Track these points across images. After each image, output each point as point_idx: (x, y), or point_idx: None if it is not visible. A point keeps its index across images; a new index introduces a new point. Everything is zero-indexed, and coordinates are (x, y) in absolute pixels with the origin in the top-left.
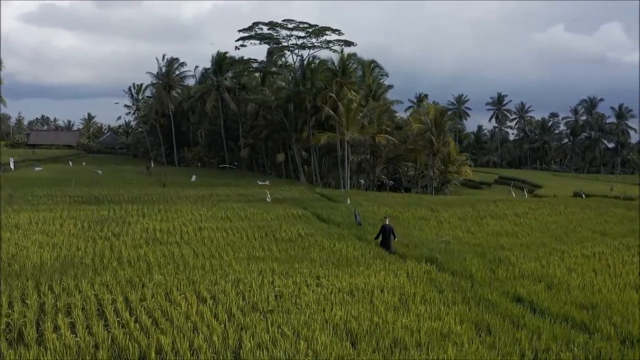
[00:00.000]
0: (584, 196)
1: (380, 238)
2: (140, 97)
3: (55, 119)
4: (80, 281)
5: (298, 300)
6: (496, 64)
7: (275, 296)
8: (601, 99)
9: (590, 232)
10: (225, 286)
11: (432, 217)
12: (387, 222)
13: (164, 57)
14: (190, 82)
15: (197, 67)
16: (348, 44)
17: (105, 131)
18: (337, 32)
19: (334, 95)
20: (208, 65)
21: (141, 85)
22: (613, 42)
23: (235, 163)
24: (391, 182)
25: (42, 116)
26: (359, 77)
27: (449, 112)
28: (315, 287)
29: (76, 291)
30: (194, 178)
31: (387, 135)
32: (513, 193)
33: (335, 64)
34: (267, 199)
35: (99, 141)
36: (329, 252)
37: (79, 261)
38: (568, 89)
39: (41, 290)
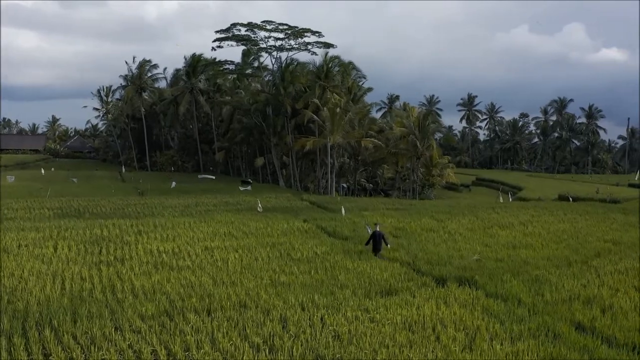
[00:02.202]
0: (571, 199)
1: (370, 244)
2: (109, 99)
3: (17, 122)
4: (105, 325)
5: (361, 343)
6: (460, 64)
7: (334, 337)
8: (571, 100)
9: (602, 242)
10: (274, 327)
11: (440, 228)
12: (378, 229)
13: (134, 59)
14: (161, 84)
15: (166, 68)
16: (327, 46)
17: (72, 134)
18: (317, 34)
19: (317, 100)
20: (176, 66)
21: (110, 87)
22: (575, 42)
23: (211, 168)
24: (371, 185)
25: (4, 119)
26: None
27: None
28: (368, 323)
29: (105, 341)
30: (173, 184)
31: (373, 140)
32: (501, 198)
33: (317, 67)
34: (259, 209)
35: (66, 145)
36: (357, 275)
37: (88, 295)
38: (532, 89)
39: (63, 341)
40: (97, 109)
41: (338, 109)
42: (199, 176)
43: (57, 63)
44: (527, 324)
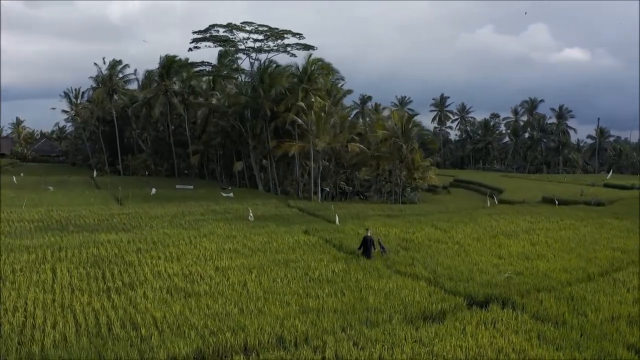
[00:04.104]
0: (557, 202)
1: (362, 248)
2: (79, 101)
3: None
4: None
5: None
6: (425, 64)
7: None
8: (542, 100)
9: (610, 250)
10: None
11: (447, 238)
12: (369, 234)
13: (104, 59)
14: (133, 85)
15: (136, 70)
16: (307, 47)
17: (38, 137)
18: (297, 36)
19: (301, 103)
20: (143, 65)
21: (79, 89)
22: (539, 42)
23: (186, 172)
24: (350, 188)
25: None
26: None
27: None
28: (431, 359)
29: None
30: (153, 191)
31: (359, 144)
32: (489, 202)
33: (299, 69)
34: (250, 218)
35: (34, 149)
36: (386, 297)
37: (108, 331)
38: (497, 89)
39: None
40: (65, 111)
41: (323, 113)
42: (177, 186)
43: (20, 62)
44: (586, 350)
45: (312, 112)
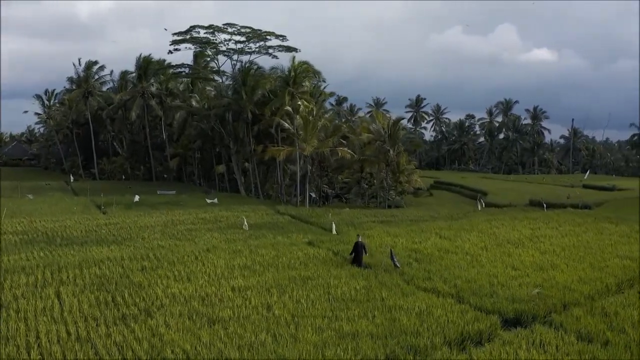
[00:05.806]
0: (545, 206)
1: (353, 254)
2: (52, 103)
3: None
4: None
5: None
6: (395, 64)
7: None
8: (516, 101)
9: (619, 259)
10: None
11: (456, 248)
12: (360, 240)
13: (79, 60)
14: (107, 86)
15: (112, 71)
16: (290, 49)
17: (7, 140)
18: (280, 38)
19: (288, 107)
20: (113, 65)
21: (53, 90)
22: (507, 43)
23: (165, 175)
24: (333, 191)
25: None
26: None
27: (368, 115)
28: None
29: None
30: (136, 198)
31: (346, 149)
32: (479, 206)
33: (285, 72)
34: (245, 227)
35: (4, 152)
36: (418, 317)
37: None
38: (467, 89)
39: None
40: (38, 114)
41: (311, 117)
42: (159, 192)
43: None
44: None
45: (299, 116)
